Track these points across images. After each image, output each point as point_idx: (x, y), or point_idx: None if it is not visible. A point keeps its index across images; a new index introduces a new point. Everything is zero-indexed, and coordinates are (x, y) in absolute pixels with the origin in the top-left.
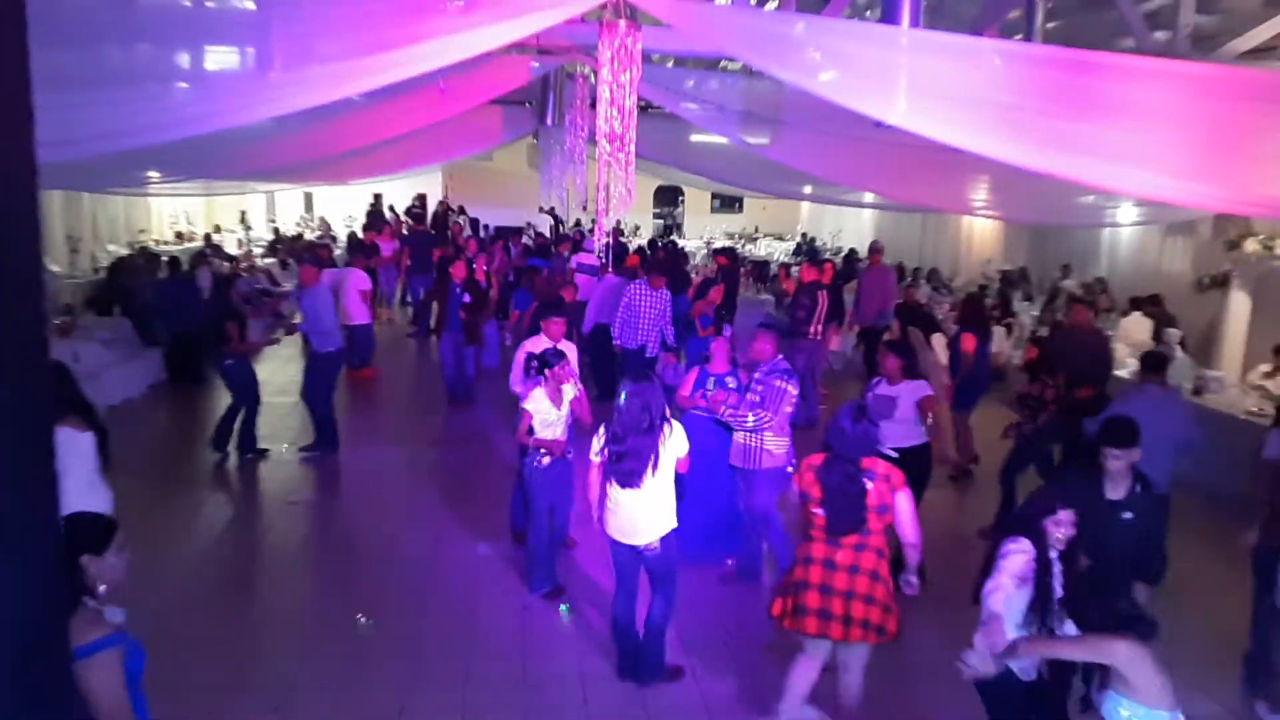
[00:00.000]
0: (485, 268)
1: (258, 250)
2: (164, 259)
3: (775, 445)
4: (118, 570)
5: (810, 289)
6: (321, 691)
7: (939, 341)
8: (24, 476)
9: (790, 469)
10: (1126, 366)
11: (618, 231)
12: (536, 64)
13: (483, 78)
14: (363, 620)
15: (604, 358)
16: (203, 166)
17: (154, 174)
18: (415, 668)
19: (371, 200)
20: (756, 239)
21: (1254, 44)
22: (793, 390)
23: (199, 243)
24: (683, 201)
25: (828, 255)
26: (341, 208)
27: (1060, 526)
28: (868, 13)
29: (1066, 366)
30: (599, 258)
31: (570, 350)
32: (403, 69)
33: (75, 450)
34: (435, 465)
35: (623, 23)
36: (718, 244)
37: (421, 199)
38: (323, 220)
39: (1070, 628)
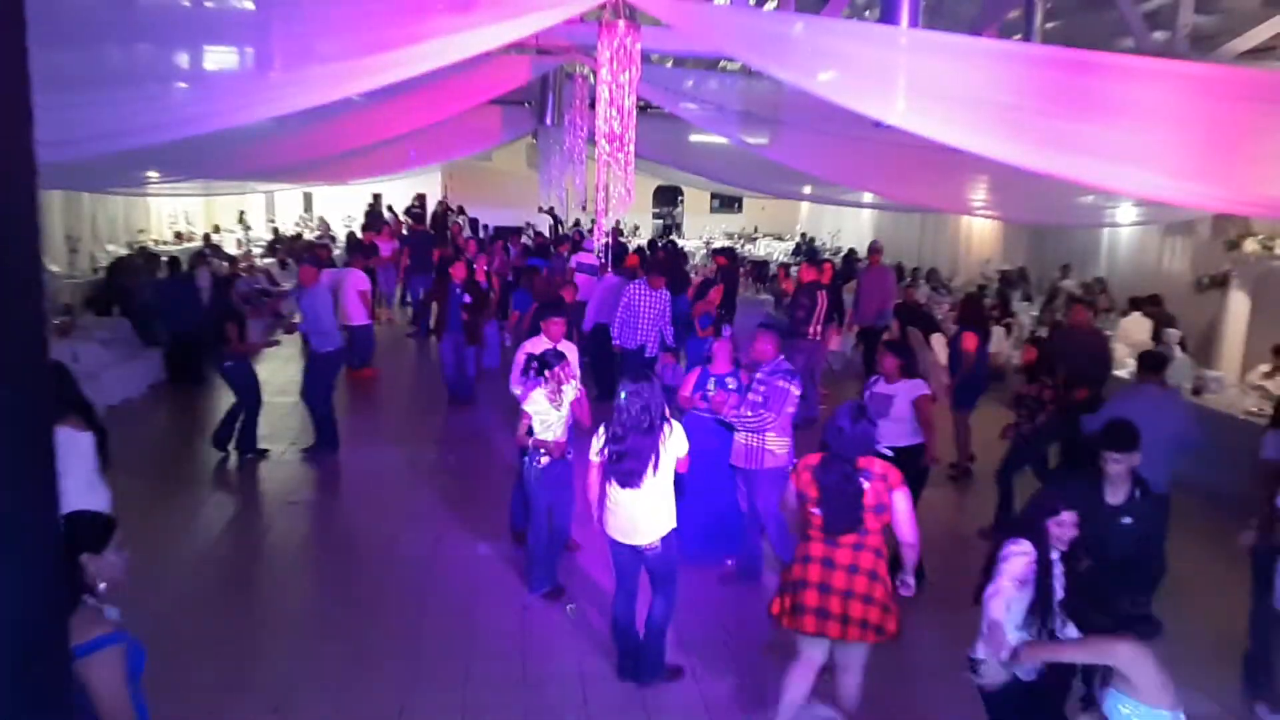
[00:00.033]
0: (485, 268)
1: (257, 250)
2: (163, 259)
3: (777, 445)
4: (116, 568)
5: (810, 289)
6: (321, 691)
7: (938, 341)
8: (24, 476)
9: (791, 469)
10: (1126, 367)
11: (617, 231)
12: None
13: (482, 78)
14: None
15: (604, 358)
16: (202, 166)
17: (154, 174)
18: (415, 668)
19: (371, 200)
20: (756, 239)
21: (1253, 44)
22: (795, 391)
23: (198, 243)
24: (682, 201)
25: (827, 255)
26: (341, 208)
27: (1063, 527)
28: (866, 13)
29: (1065, 367)
30: (598, 257)
31: (571, 351)
32: (403, 69)
33: (74, 450)
34: (435, 465)
35: (622, 23)
36: (717, 244)
37: (421, 199)
38: (322, 220)
39: (1071, 629)
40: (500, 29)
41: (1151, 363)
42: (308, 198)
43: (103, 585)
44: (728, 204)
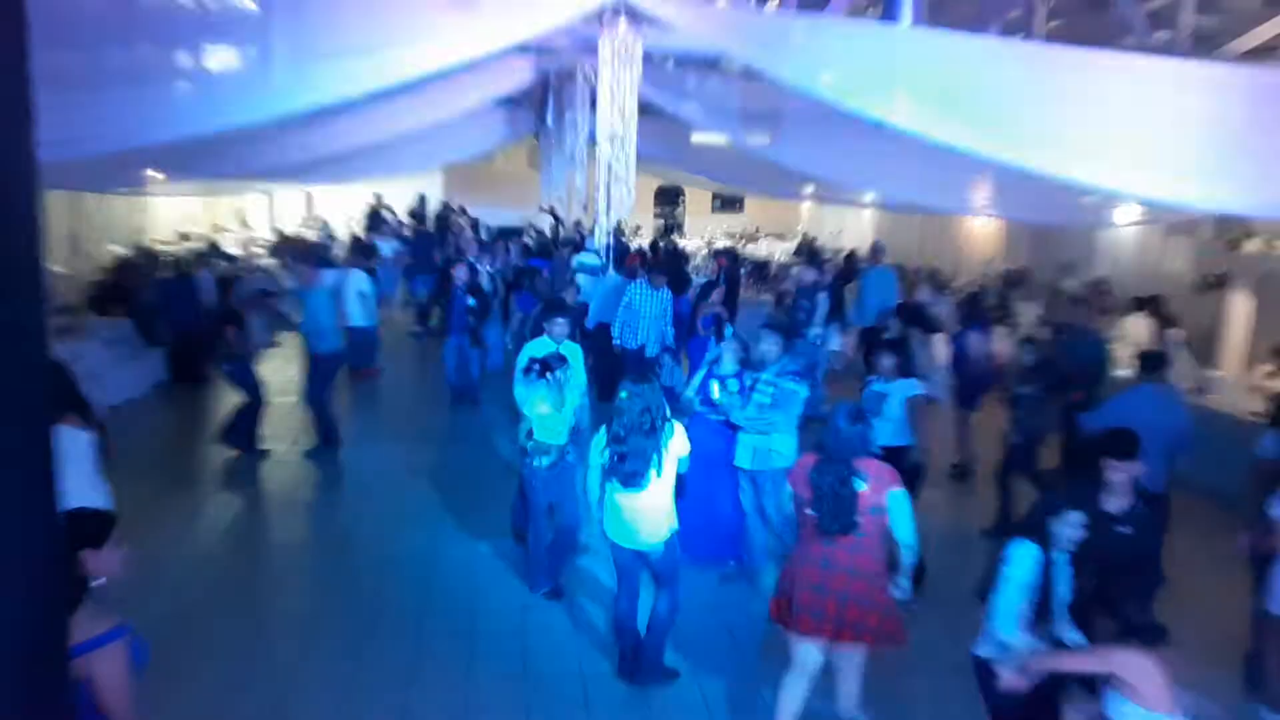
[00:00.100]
0: (488, 268)
1: (258, 250)
2: (166, 259)
3: (783, 446)
4: (115, 564)
5: (810, 290)
6: (323, 691)
7: (939, 341)
8: (24, 476)
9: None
10: (1127, 367)
11: (618, 231)
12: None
13: (483, 78)
14: None
15: (605, 358)
16: (203, 166)
17: (154, 174)
18: (417, 667)
19: (371, 200)
20: (757, 239)
21: (1255, 44)
22: (803, 392)
23: (200, 243)
24: (683, 201)
25: (828, 255)
26: (341, 208)
27: (1068, 528)
28: (869, 10)
29: (1064, 367)
30: (599, 257)
31: (575, 352)
32: (403, 69)
33: (74, 448)
34: (436, 466)
35: (623, 23)
36: (719, 244)
37: (422, 199)
38: (322, 220)
39: (1075, 635)
40: (501, 29)
41: (1151, 362)
42: (309, 198)
43: (101, 581)
44: (729, 204)
